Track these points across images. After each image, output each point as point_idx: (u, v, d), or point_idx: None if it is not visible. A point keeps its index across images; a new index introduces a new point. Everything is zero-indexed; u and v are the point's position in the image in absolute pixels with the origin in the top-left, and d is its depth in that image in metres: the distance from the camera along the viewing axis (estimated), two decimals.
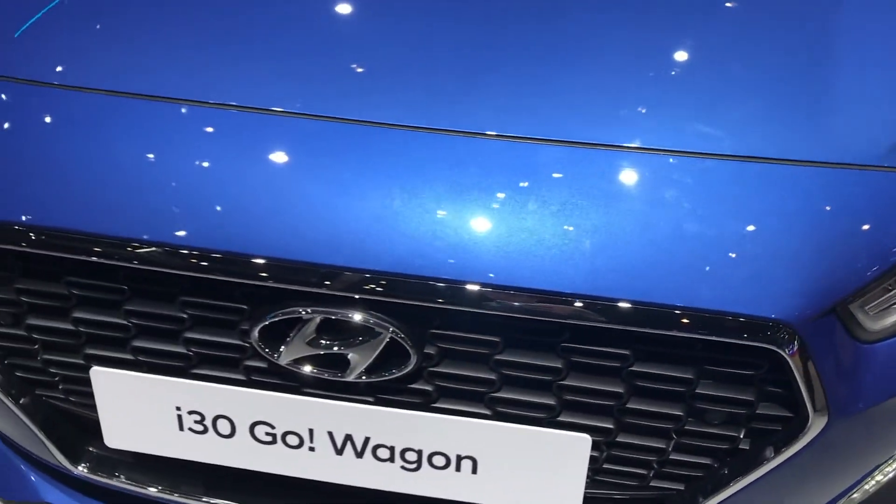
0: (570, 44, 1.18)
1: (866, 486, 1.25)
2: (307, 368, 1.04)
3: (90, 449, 1.26)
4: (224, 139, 1.06)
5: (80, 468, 1.25)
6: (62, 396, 1.21)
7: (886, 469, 1.24)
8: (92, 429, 1.23)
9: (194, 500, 1.24)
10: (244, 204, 1.00)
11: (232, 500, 1.23)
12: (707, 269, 0.96)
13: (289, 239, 0.98)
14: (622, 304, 0.95)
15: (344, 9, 1.26)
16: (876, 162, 1.04)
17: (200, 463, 1.17)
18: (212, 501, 1.24)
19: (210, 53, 1.16)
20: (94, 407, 1.17)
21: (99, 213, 1.02)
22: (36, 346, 1.15)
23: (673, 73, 1.15)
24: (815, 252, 0.98)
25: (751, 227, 0.98)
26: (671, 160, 1.02)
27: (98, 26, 1.22)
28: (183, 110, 1.08)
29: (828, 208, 1.00)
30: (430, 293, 0.96)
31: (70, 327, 1.11)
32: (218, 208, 1.00)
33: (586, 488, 1.09)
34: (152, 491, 1.24)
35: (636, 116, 1.07)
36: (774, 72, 1.14)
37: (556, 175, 1.01)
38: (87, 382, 1.14)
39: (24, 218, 1.04)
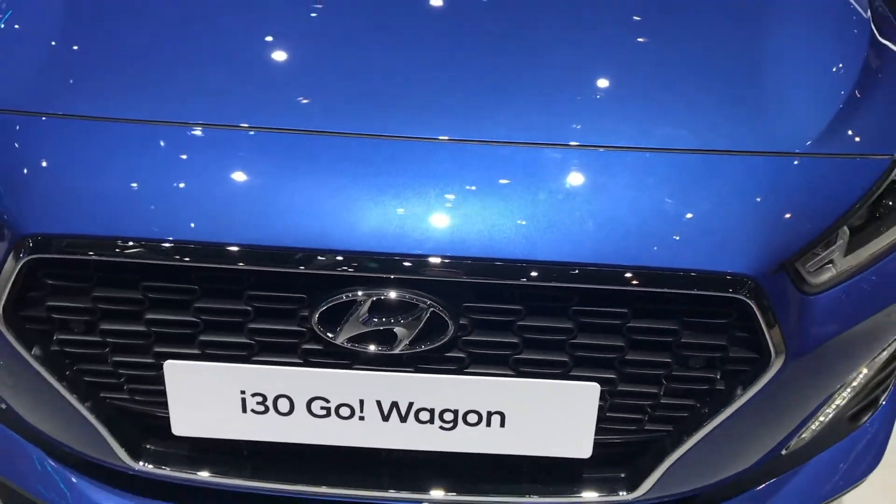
0: (522, 57, 1.43)
1: (812, 427, 1.50)
2: (360, 345, 1.23)
3: (148, 446, 1.41)
4: (278, 158, 1.25)
5: (140, 464, 1.39)
6: (127, 397, 1.35)
7: (827, 410, 1.50)
8: (151, 427, 1.39)
9: (245, 481, 1.40)
10: (305, 207, 1.20)
11: (283, 482, 1.40)
12: (686, 239, 1.21)
13: (344, 232, 1.18)
14: (620, 269, 1.18)
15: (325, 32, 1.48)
16: (807, 150, 1.32)
17: (251, 450, 1.35)
18: (260, 484, 1.41)
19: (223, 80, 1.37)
20: (157, 403, 1.33)
21: (172, 221, 1.20)
22: (107, 350, 1.30)
23: (629, 83, 1.41)
24: (767, 223, 1.24)
25: (720, 207, 1.23)
26: (647, 156, 1.27)
27: (108, 63, 1.41)
28: (225, 133, 1.28)
29: (773, 189, 1.27)
30: (463, 270, 1.17)
31: (142, 328, 1.27)
32: (278, 210, 1.20)
33: (595, 443, 1.30)
34: (204, 475, 1.39)
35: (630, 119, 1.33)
36: (722, 81, 1.41)
37: (553, 170, 1.25)
38: (154, 381, 1.30)
39: (100, 230, 1.21)
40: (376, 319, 1.22)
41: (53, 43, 1.44)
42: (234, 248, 1.18)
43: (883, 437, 1.64)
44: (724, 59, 1.45)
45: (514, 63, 1.41)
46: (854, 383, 1.49)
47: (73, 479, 1.51)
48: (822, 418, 1.50)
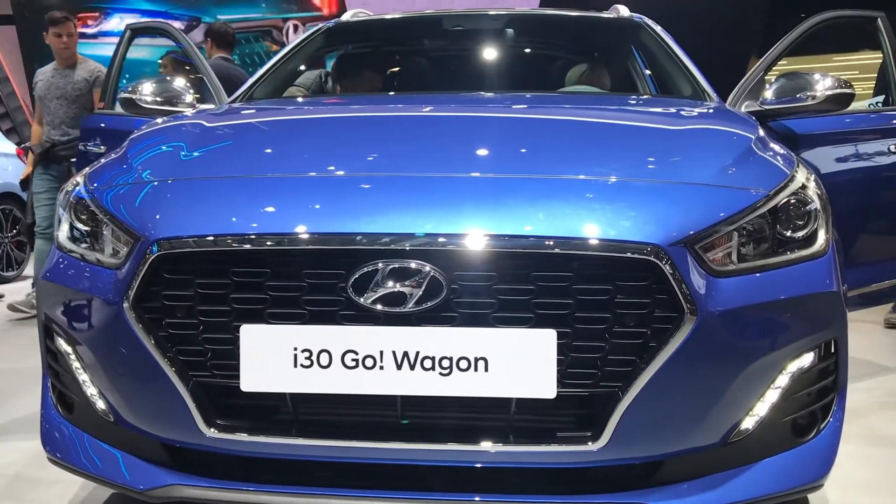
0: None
1: (748, 420, 1.82)
2: (379, 307, 1.71)
3: (218, 421, 1.82)
4: (329, 189, 1.87)
5: (211, 431, 1.80)
6: (209, 374, 1.81)
7: (759, 406, 1.83)
8: (223, 406, 1.82)
9: (290, 439, 1.78)
10: (346, 208, 1.78)
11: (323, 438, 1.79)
12: (611, 221, 1.73)
13: (371, 218, 1.74)
14: (565, 239, 1.69)
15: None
16: (699, 181, 1.88)
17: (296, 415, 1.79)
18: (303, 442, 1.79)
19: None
20: (231, 376, 1.78)
21: (253, 222, 1.78)
22: (200, 328, 1.80)
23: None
24: (669, 217, 1.76)
25: (640, 208, 1.78)
26: (594, 181, 1.88)
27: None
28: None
29: (674, 200, 1.81)
30: (452, 244, 1.70)
31: (227, 308, 1.78)
32: (320, 207, 1.78)
33: (558, 388, 1.70)
34: (253, 437, 1.79)
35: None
36: (656, 151, 2.08)
37: (515, 186, 1.83)
38: (230, 356, 1.77)
39: (204, 231, 1.79)
40: (391, 283, 1.71)
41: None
42: (297, 235, 1.74)
43: (827, 453, 1.93)
44: (658, 145, 2.14)
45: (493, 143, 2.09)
46: (780, 384, 1.85)
47: (151, 468, 1.91)
48: (757, 413, 1.84)
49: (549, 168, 1.96)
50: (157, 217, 1.86)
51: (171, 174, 2.04)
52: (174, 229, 1.81)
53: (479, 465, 1.79)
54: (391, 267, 1.71)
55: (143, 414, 1.89)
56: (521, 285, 1.71)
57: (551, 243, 1.70)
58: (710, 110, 2.72)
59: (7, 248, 7.45)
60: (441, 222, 1.73)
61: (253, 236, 1.76)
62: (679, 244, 1.72)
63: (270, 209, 1.83)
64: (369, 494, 1.79)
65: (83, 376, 1.99)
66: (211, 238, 1.77)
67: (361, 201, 1.82)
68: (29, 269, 6.80)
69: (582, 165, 1.98)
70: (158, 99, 3.25)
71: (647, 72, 3.80)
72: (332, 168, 2.04)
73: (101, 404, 1.97)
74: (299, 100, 3.39)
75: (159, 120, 2.76)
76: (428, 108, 2.72)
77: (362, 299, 1.72)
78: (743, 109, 3.11)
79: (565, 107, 2.83)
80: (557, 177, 1.91)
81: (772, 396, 1.85)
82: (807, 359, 1.88)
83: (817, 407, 1.94)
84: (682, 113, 2.63)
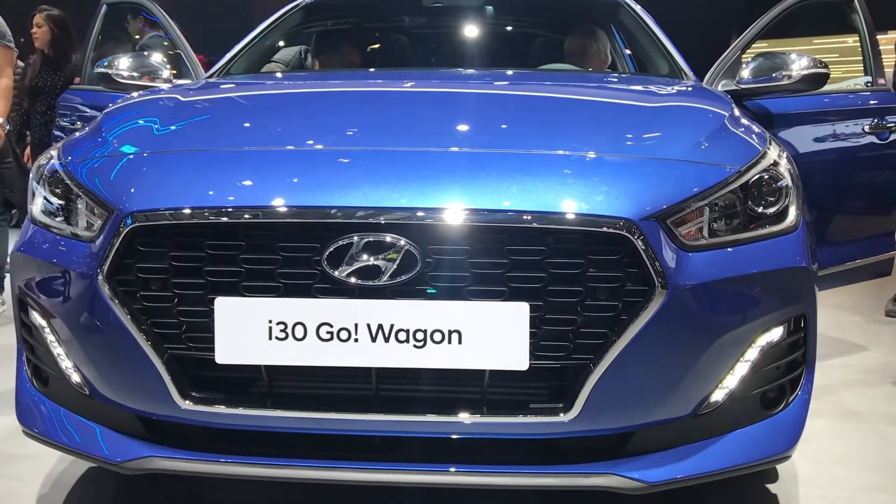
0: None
1: (717, 393, 1.85)
2: (354, 280, 1.72)
3: (193, 393, 1.83)
4: (305, 160, 1.87)
5: (186, 403, 1.81)
6: (184, 346, 1.81)
7: (728, 380, 1.86)
8: (197, 378, 1.83)
9: (262, 411, 1.80)
10: (322, 180, 1.78)
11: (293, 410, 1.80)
12: (585, 196, 1.74)
13: (346, 191, 1.74)
14: (539, 213, 1.70)
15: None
16: (672, 157, 1.90)
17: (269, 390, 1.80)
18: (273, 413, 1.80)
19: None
20: (205, 349, 1.79)
21: (228, 194, 1.78)
22: (175, 301, 1.80)
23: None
24: (641, 193, 1.77)
25: (613, 182, 1.79)
26: (571, 156, 1.89)
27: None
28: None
29: (647, 174, 1.83)
30: (426, 217, 1.70)
31: (201, 280, 1.78)
32: (297, 180, 1.78)
33: (531, 360, 1.72)
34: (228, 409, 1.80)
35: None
36: (630, 128, 2.09)
37: (491, 161, 1.83)
38: (205, 328, 1.78)
39: (179, 203, 1.78)
40: (366, 256, 1.72)
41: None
42: (273, 209, 1.74)
43: (795, 425, 1.96)
44: (631, 120, 2.17)
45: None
46: (749, 357, 1.88)
47: (127, 440, 1.92)
48: (727, 385, 1.87)
49: (525, 143, 1.97)
50: (132, 190, 1.85)
51: (146, 147, 2.03)
52: (149, 202, 1.81)
53: (454, 437, 1.81)
54: (366, 241, 1.72)
55: (118, 387, 1.89)
56: (495, 259, 1.73)
57: (527, 217, 1.71)
58: (687, 88, 2.75)
59: None
60: (417, 196, 1.74)
61: (229, 209, 1.76)
62: (651, 219, 1.74)
63: (246, 182, 1.83)
64: (346, 465, 1.80)
65: (58, 349, 1.99)
66: (187, 211, 1.77)
67: (337, 175, 1.83)
68: None
69: (558, 141, 2.00)
70: (135, 74, 3.24)
71: (627, 51, 3.82)
72: (309, 142, 2.04)
73: (76, 377, 1.97)
74: (278, 75, 3.38)
75: (135, 94, 2.75)
76: (407, 84, 2.72)
77: (337, 272, 1.72)
78: (720, 88, 3.14)
79: (543, 83, 2.85)
80: (533, 152, 1.91)
81: (741, 369, 1.87)
82: (776, 333, 1.91)
83: (786, 380, 1.97)
84: (659, 91, 2.66)
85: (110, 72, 3.21)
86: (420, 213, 1.71)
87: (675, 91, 2.66)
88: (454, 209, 1.71)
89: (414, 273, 1.72)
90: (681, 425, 1.85)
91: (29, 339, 2.11)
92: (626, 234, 1.71)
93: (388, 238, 1.72)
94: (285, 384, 1.82)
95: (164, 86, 3.05)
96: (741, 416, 1.91)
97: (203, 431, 1.87)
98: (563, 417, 1.75)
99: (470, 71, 3.14)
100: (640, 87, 2.81)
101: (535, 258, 1.72)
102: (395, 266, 1.71)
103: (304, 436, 1.84)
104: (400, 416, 1.77)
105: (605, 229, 1.71)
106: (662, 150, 1.95)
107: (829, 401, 3.19)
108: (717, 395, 1.87)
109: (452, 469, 1.79)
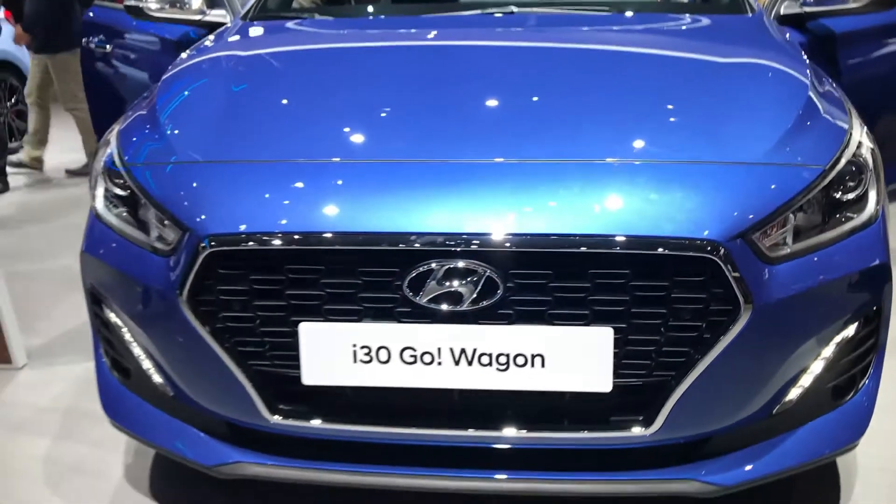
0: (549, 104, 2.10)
1: (794, 391, 1.88)
2: (437, 304, 1.72)
3: (280, 406, 1.88)
4: (382, 177, 1.82)
5: (275, 417, 1.86)
6: (269, 363, 1.84)
7: (805, 378, 1.88)
8: (284, 392, 1.86)
9: (348, 426, 1.85)
10: (403, 207, 1.75)
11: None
12: (669, 215, 1.70)
13: (426, 216, 1.71)
14: (624, 237, 1.67)
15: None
16: (757, 161, 1.83)
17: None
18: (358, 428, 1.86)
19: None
20: (290, 366, 1.81)
21: (308, 220, 1.75)
22: (257, 322, 1.81)
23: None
24: (727, 207, 1.73)
25: (695, 197, 1.75)
26: (645, 165, 1.82)
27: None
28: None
29: (732, 185, 1.77)
30: (508, 244, 1.68)
31: (283, 303, 1.79)
32: (374, 201, 1.75)
33: (614, 378, 1.74)
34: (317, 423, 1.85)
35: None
36: (705, 120, 2.01)
37: (569, 173, 1.79)
38: (289, 347, 1.80)
39: (259, 228, 1.76)
40: (447, 283, 1.71)
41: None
42: (353, 235, 1.72)
43: (865, 412, 2.00)
44: (706, 105, 2.07)
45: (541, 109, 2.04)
46: (825, 355, 1.89)
47: (216, 444, 1.98)
48: (802, 384, 1.89)
49: (598, 149, 1.89)
50: (207, 209, 1.82)
51: (213, 153, 1.97)
52: (226, 225, 1.78)
53: (532, 449, 1.86)
54: (447, 267, 1.71)
55: (203, 394, 1.94)
56: (578, 283, 1.71)
57: (609, 242, 1.68)
58: (756, 37, 2.59)
59: (7, 118, 7.32)
60: (497, 222, 1.71)
61: (309, 234, 1.74)
62: (737, 238, 1.71)
63: (325, 205, 1.79)
64: (435, 473, 1.87)
65: (137, 351, 2.03)
66: (263, 236, 1.75)
67: (413, 193, 1.79)
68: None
69: (631, 141, 1.92)
70: (165, 6, 3.12)
71: None
72: (381, 151, 1.97)
73: (157, 378, 2.01)
74: (323, 32, 3.08)
75: (184, 55, 2.64)
76: (465, 60, 2.54)
77: (418, 298, 1.72)
78: (783, 11, 2.98)
79: (601, 45, 2.62)
80: (607, 161, 1.84)
81: (817, 367, 1.89)
82: (852, 328, 1.91)
83: (857, 370, 1.99)
84: (725, 45, 2.51)
85: (140, 4, 3.10)
86: (499, 239, 1.69)
87: (744, 45, 2.52)
88: (534, 234, 1.69)
89: (496, 298, 1.71)
90: (756, 425, 1.89)
91: (105, 333, 2.14)
92: (713, 258, 1.68)
93: (469, 264, 1.70)
94: (371, 399, 1.86)
95: (196, 17, 2.98)
96: (813, 409, 1.94)
97: (290, 437, 1.93)
98: (644, 431, 1.79)
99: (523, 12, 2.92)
100: (702, 42, 2.65)
101: (618, 282, 1.71)
102: (476, 292, 1.71)
103: (388, 444, 1.90)
104: (482, 433, 1.82)
105: (691, 253, 1.68)
106: (744, 151, 1.86)
107: None
108: (793, 394, 1.89)
109: (535, 477, 1.86)
